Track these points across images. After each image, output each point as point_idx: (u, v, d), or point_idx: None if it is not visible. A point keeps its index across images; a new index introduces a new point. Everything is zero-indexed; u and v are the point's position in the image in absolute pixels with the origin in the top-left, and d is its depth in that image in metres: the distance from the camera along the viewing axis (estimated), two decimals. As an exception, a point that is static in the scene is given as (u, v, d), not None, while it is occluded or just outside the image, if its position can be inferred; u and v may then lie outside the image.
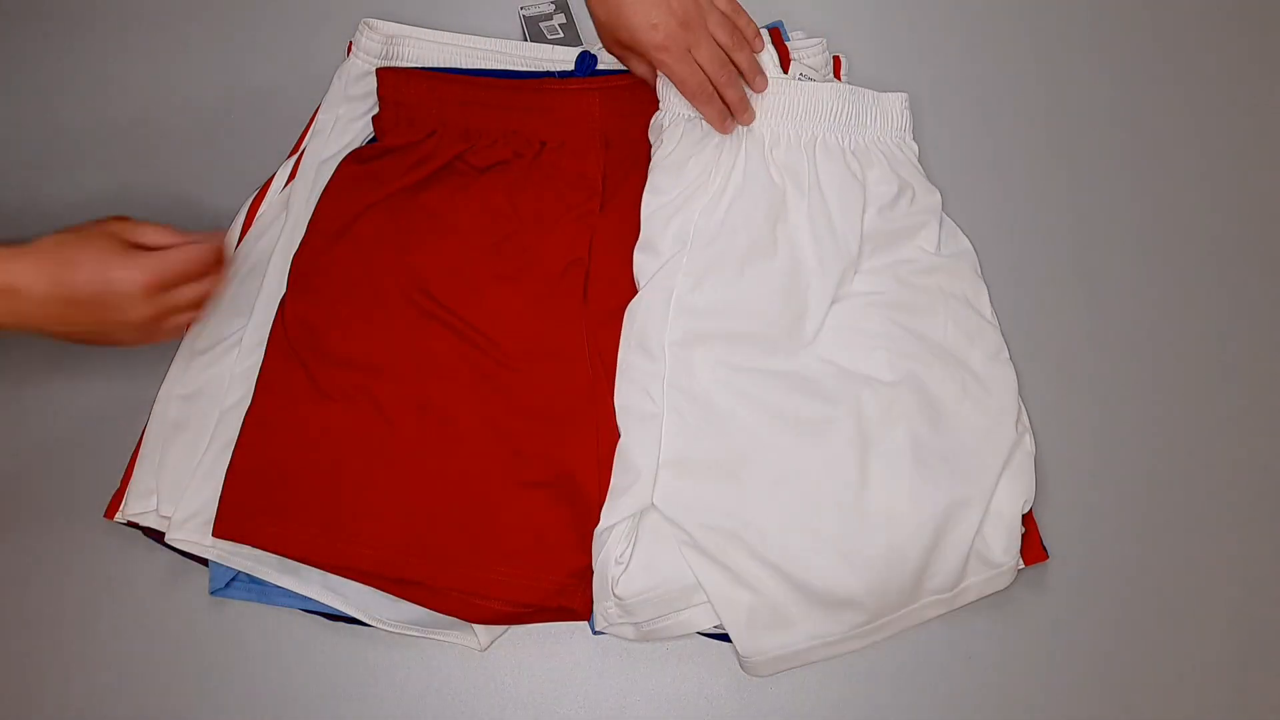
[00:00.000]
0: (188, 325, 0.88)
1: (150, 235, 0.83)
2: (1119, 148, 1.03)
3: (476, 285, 0.91)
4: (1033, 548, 0.91)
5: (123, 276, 0.79)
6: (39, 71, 1.02)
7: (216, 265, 0.86)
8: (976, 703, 0.91)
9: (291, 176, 0.96)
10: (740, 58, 0.88)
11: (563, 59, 0.97)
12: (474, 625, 0.88)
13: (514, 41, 0.98)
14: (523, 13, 1.01)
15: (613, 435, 0.87)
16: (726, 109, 0.90)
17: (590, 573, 0.85)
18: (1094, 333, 0.98)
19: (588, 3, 0.87)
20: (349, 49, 0.99)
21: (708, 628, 0.87)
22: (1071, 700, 0.91)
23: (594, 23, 0.89)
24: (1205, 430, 0.96)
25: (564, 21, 1.01)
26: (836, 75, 1.00)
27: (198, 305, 0.85)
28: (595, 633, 0.90)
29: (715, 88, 0.88)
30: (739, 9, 0.91)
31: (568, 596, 0.86)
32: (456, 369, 0.89)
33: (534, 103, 0.94)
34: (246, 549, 0.88)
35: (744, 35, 0.90)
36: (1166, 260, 1.01)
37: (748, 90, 0.92)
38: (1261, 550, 0.94)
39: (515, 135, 0.93)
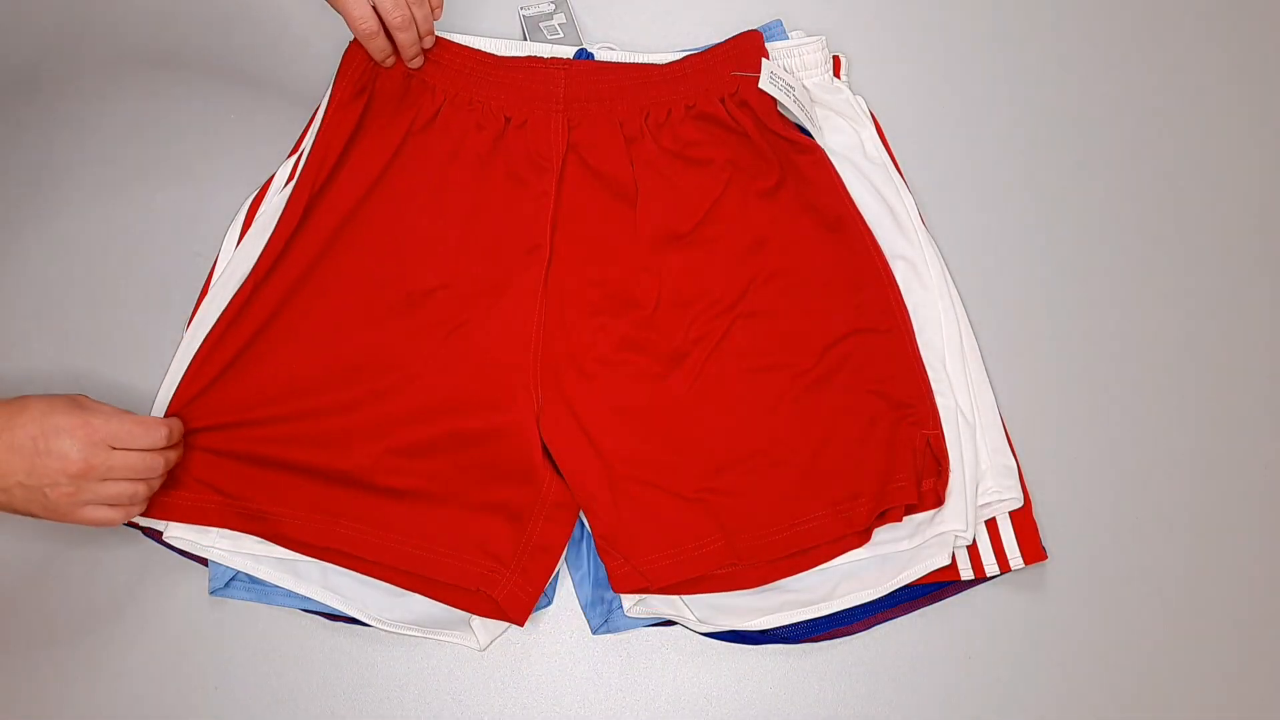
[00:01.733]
0: (113, 516, 0.81)
1: (103, 409, 0.81)
2: (1118, 147, 1.03)
3: (439, 266, 0.92)
4: (1032, 548, 0.91)
5: (66, 422, 0.78)
6: (39, 72, 1.02)
7: (160, 446, 0.82)
8: (976, 702, 0.91)
9: (291, 176, 0.95)
10: (419, 11, 0.89)
11: (561, 57, 0.97)
12: (474, 625, 0.88)
13: (514, 41, 0.98)
14: (522, 13, 1.01)
15: (552, 435, 0.89)
16: (389, 47, 0.91)
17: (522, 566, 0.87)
18: (1093, 333, 0.98)
19: None
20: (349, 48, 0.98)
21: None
22: (1071, 700, 0.91)
23: None
24: (1205, 430, 0.96)
25: (564, 21, 1.01)
26: (836, 74, 0.99)
27: (131, 481, 0.81)
28: (595, 632, 0.91)
29: (389, 28, 0.89)
30: None
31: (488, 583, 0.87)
32: (413, 346, 0.91)
33: (502, 78, 0.94)
34: (246, 548, 0.88)
35: None
36: (1166, 260, 1.00)
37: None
38: (1261, 549, 0.94)
39: (479, 106, 0.93)
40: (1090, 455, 0.95)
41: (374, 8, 0.87)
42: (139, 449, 0.81)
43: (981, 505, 0.90)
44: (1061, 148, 1.03)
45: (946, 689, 0.91)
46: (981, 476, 0.90)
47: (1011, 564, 0.90)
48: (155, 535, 0.89)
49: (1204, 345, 0.98)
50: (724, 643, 0.91)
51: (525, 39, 1.01)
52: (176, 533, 0.88)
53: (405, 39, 0.90)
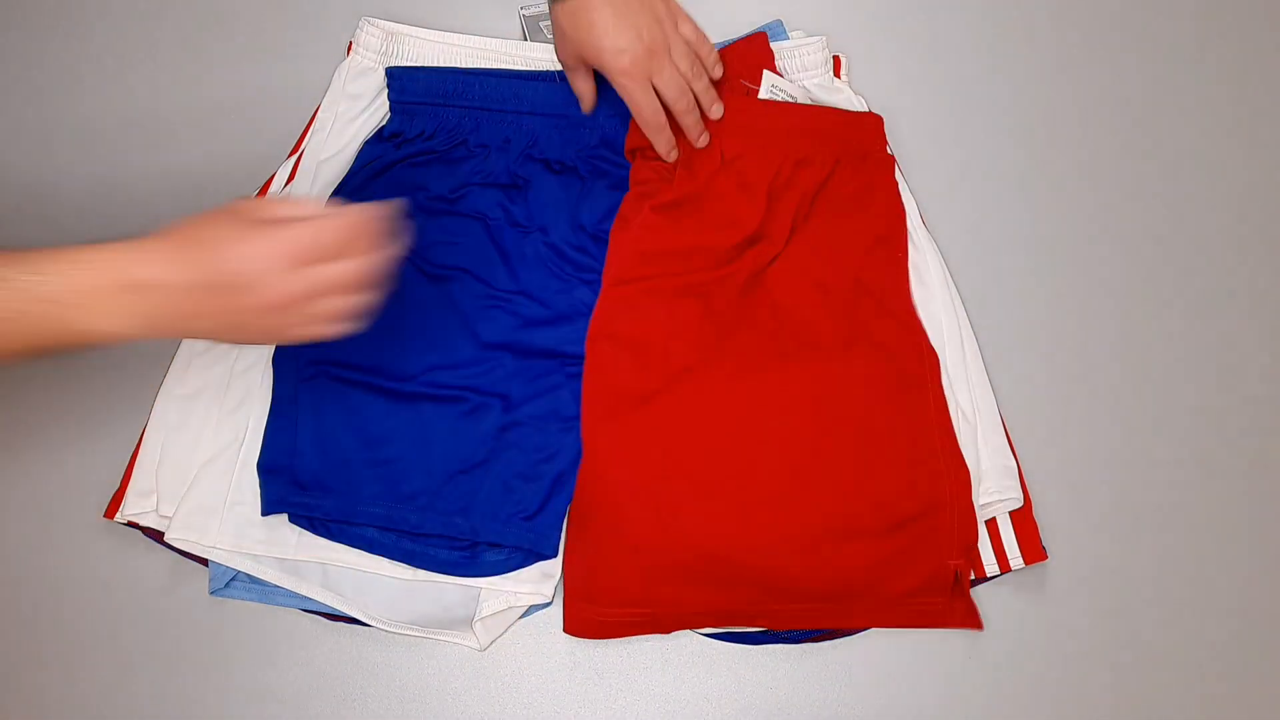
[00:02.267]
0: (345, 314, 0.74)
1: (284, 209, 0.73)
2: (1119, 147, 1.03)
3: None
4: (1033, 548, 0.91)
5: (256, 251, 0.70)
6: (38, 71, 1.02)
7: (365, 240, 0.74)
8: (977, 702, 0.91)
9: (291, 176, 0.95)
10: (699, 86, 0.90)
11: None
12: (473, 625, 0.88)
13: (514, 41, 0.98)
14: (523, 13, 1.01)
15: None
16: (674, 140, 0.91)
17: None
18: (1093, 333, 0.98)
19: (553, 11, 0.87)
20: (349, 48, 0.99)
21: None
22: (1071, 700, 0.91)
23: (555, 31, 0.89)
24: (1205, 430, 0.96)
25: None
26: (836, 74, 0.99)
27: (349, 287, 0.73)
28: (595, 632, 0.91)
29: (674, 115, 0.89)
30: (703, 38, 0.91)
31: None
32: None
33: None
34: (246, 548, 0.88)
35: (704, 64, 0.91)
36: (1166, 260, 1.00)
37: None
38: (1261, 549, 0.94)
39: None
40: (1090, 455, 0.95)
41: (657, 95, 0.87)
42: (336, 256, 0.72)
43: (981, 505, 0.90)
44: (1062, 147, 1.03)
45: (946, 689, 0.91)
46: (981, 476, 0.90)
47: (1011, 564, 0.90)
48: (156, 535, 0.89)
49: (1204, 345, 0.98)
50: (724, 643, 0.91)
51: (525, 39, 1.01)
52: (177, 534, 0.88)
53: (690, 121, 0.90)
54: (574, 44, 0.87)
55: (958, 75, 1.04)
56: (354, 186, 0.93)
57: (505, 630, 0.89)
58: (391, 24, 0.97)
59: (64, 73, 1.02)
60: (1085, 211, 1.01)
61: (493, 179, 0.94)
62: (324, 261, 0.71)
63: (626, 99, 0.88)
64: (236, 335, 0.73)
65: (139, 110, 1.02)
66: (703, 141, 0.92)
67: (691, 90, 0.89)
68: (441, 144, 0.94)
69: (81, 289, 0.68)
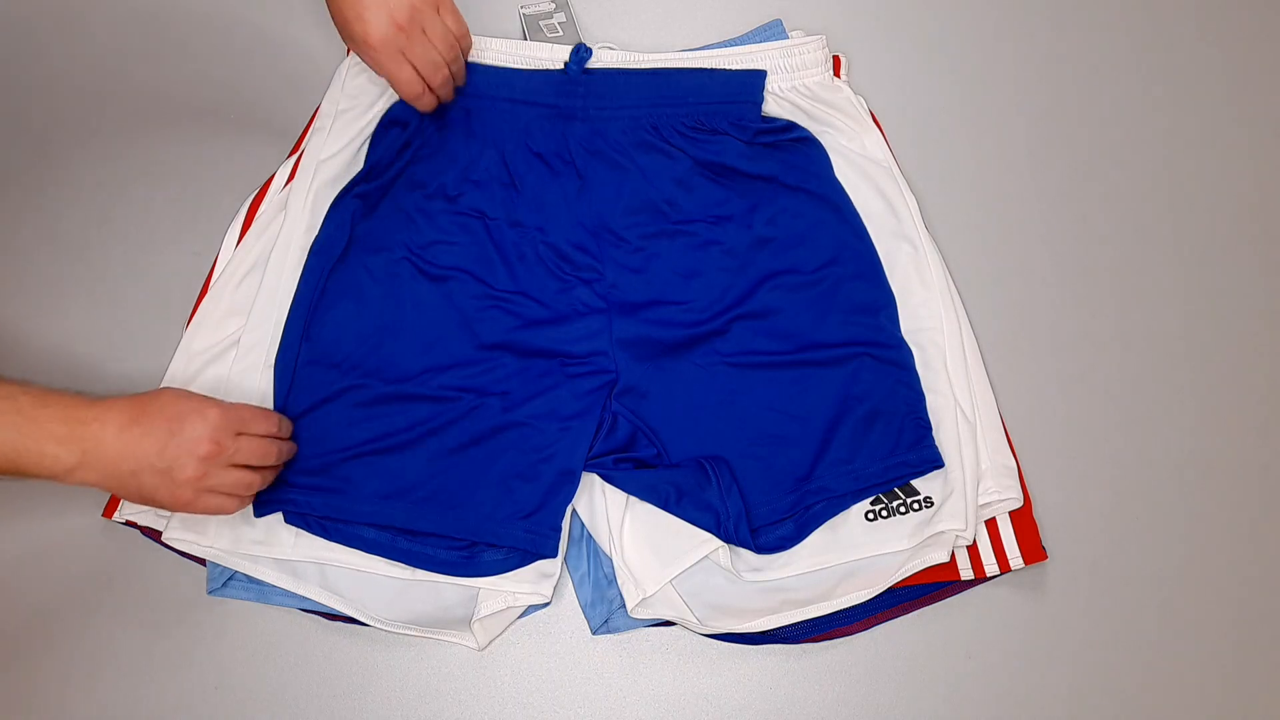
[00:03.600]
0: (228, 504, 0.84)
1: (224, 401, 0.85)
2: (1118, 147, 1.03)
3: None
4: (1033, 548, 0.91)
5: (198, 406, 0.82)
6: (39, 71, 1.02)
7: (283, 436, 0.87)
8: (976, 702, 0.91)
9: (291, 176, 0.96)
10: (456, 68, 0.94)
11: (560, 57, 0.97)
12: (472, 625, 0.88)
13: (514, 40, 0.97)
14: (523, 11, 1.01)
15: None
16: (434, 101, 0.94)
17: None
18: (1093, 333, 0.98)
19: (329, 4, 0.90)
20: (349, 49, 0.99)
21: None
22: (1071, 699, 0.91)
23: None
24: (1205, 430, 0.96)
25: (564, 20, 1.01)
26: (836, 74, 0.99)
27: (251, 470, 0.84)
28: (595, 633, 0.91)
29: (431, 88, 0.92)
30: (465, 29, 0.93)
31: None
32: None
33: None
34: (244, 549, 0.88)
35: (461, 47, 0.94)
36: (1166, 260, 1.00)
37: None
38: (1260, 548, 0.94)
39: None
40: (1090, 455, 0.95)
41: (416, 71, 0.90)
42: (260, 435, 0.85)
43: (981, 505, 0.90)
44: (1062, 147, 1.03)
45: (946, 689, 0.91)
46: (981, 476, 0.90)
47: (1011, 564, 0.90)
48: (155, 535, 0.89)
49: (1204, 345, 0.98)
50: (724, 643, 0.91)
51: (525, 38, 1.01)
52: (175, 533, 0.88)
53: (445, 93, 0.94)
54: (341, 32, 0.90)
55: (958, 75, 1.04)
56: (360, 191, 0.94)
57: (504, 630, 0.89)
58: None
59: (64, 73, 1.02)
60: (1085, 211, 1.01)
61: (491, 175, 0.94)
62: (244, 430, 0.84)
63: (381, 73, 0.91)
64: (155, 483, 0.81)
65: (139, 110, 1.02)
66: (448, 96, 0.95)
67: (448, 68, 0.92)
68: (435, 131, 0.95)
69: (60, 435, 0.78)
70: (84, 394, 0.81)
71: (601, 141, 0.94)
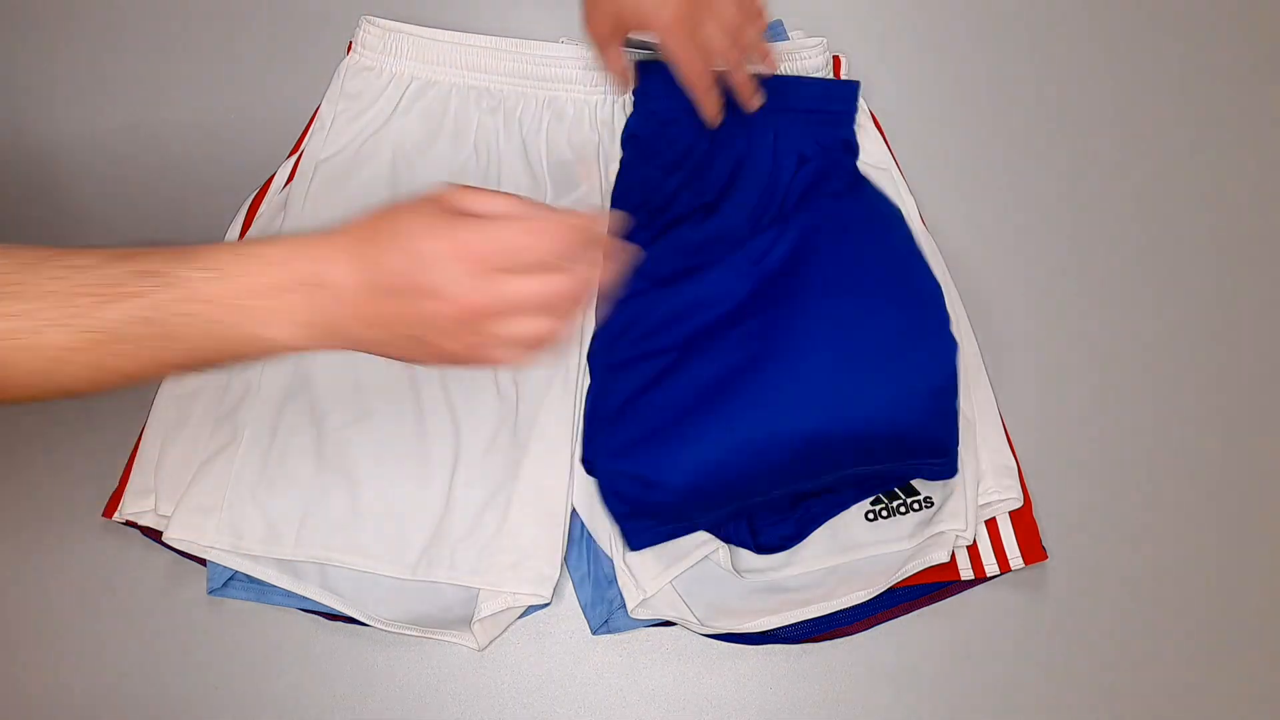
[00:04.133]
0: (545, 341, 0.62)
1: (486, 202, 0.61)
2: (1118, 147, 1.03)
3: None
4: (1033, 548, 0.91)
5: (435, 248, 0.58)
6: (39, 72, 1.02)
7: (581, 251, 0.61)
8: (976, 702, 0.91)
9: (291, 176, 0.96)
10: (750, 33, 0.81)
11: (561, 55, 0.97)
12: (472, 625, 0.88)
13: (513, 39, 0.97)
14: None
15: None
16: (720, 103, 0.87)
17: None
18: (1093, 333, 0.98)
19: None
20: (349, 47, 0.99)
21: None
22: (1071, 699, 0.91)
23: (584, 3, 0.84)
24: (1204, 429, 0.96)
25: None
26: (836, 75, 0.99)
27: (555, 307, 0.61)
28: (595, 633, 0.91)
29: (727, 67, 0.83)
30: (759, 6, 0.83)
31: None
32: None
33: None
34: (244, 548, 0.88)
35: (752, 10, 0.82)
36: (1167, 260, 1.00)
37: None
38: (1261, 549, 0.94)
39: None
40: (1090, 455, 0.95)
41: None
42: (542, 268, 0.60)
43: (981, 505, 0.90)
44: (1062, 148, 1.03)
45: (946, 689, 0.91)
46: (981, 476, 0.90)
47: (1011, 564, 0.90)
48: (154, 534, 0.89)
49: (1204, 345, 0.98)
50: (724, 643, 0.91)
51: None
52: (176, 533, 0.88)
53: (740, 79, 0.84)
54: (610, 5, 0.79)
55: (958, 75, 1.04)
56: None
57: (503, 630, 0.89)
58: (392, 22, 0.97)
59: (64, 73, 1.02)
60: (1085, 211, 1.01)
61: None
62: (528, 272, 0.60)
63: (672, 56, 0.82)
64: (414, 352, 0.62)
65: (139, 110, 1.02)
66: (756, 103, 0.88)
67: (741, 43, 0.81)
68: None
69: (255, 289, 0.58)
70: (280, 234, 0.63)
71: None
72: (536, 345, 0.62)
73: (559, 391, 0.91)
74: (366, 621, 0.88)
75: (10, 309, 0.56)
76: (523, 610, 0.90)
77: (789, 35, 1.01)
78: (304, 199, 0.94)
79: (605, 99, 0.97)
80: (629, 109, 0.95)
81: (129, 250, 0.58)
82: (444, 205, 0.60)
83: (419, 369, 0.90)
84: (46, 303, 0.56)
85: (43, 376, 0.57)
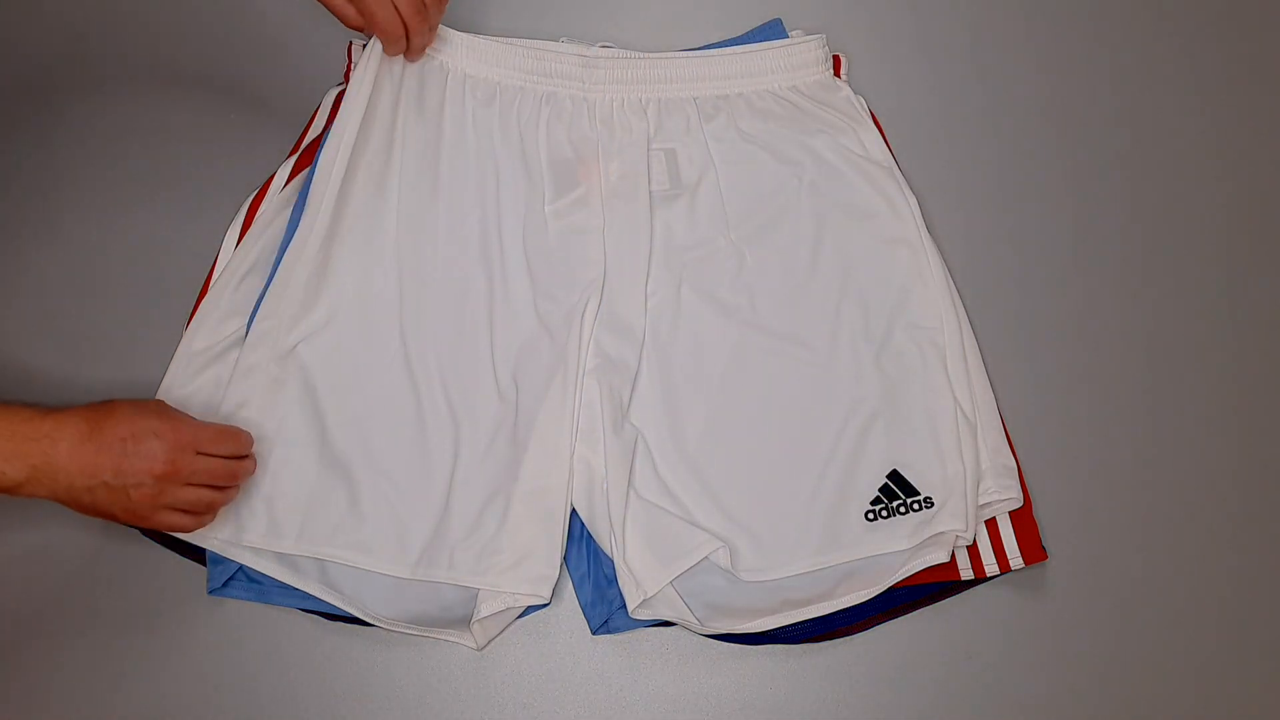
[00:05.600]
0: (187, 522, 0.83)
1: (186, 416, 0.84)
2: (1118, 146, 1.03)
3: None
4: (1033, 548, 0.91)
5: (155, 425, 0.80)
6: (39, 71, 1.02)
7: (245, 455, 0.86)
8: (976, 703, 0.91)
9: (291, 176, 0.95)
10: (434, 11, 0.91)
11: (563, 51, 0.97)
12: (471, 625, 0.88)
13: (503, 38, 0.97)
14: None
15: None
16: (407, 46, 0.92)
17: None
18: (1093, 333, 0.98)
19: None
20: (349, 48, 0.98)
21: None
22: (1071, 699, 0.91)
23: None
24: (1204, 429, 0.96)
25: None
26: (837, 73, 0.99)
27: (210, 488, 0.83)
28: (595, 633, 0.91)
29: (407, 32, 0.90)
30: None
31: None
32: None
33: None
34: (246, 540, 0.88)
35: None
36: (1167, 260, 1.00)
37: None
38: (1260, 548, 0.94)
39: None
40: (1090, 455, 0.95)
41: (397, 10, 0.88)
42: (221, 455, 0.83)
43: (981, 505, 0.90)
44: (1062, 147, 1.03)
45: (947, 689, 0.91)
46: (981, 476, 0.90)
47: (1011, 564, 0.90)
48: (155, 535, 0.89)
49: (1205, 345, 0.98)
50: (724, 643, 0.91)
51: None
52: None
53: (420, 43, 0.92)
54: None
55: (958, 75, 1.04)
56: None
57: (503, 630, 0.89)
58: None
59: (64, 73, 1.02)
60: (1086, 211, 1.01)
61: None
62: (203, 450, 0.82)
63: (365, 11, 0.87)
64: (102, 499, 0.79)
65: (139, 111, 1.01)
66: (417, 59, 0.94)
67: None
68: None
69: (5, 451, 0.76)
70: (39, 405, 0.78)
71: None
72: (201, 511, 0.83)
73: (559, 391, 0.91)
74: (365, 619, 0.88)
75: None
76: (522, 610, 0.90)
77: (789, 34, 1.01)
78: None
79: (604, 97, 0.97)
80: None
81: None
82: (159, 405, 0.84)
83: (418, 369, 0.91)
84: None
85: None
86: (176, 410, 0.84)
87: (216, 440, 0.83)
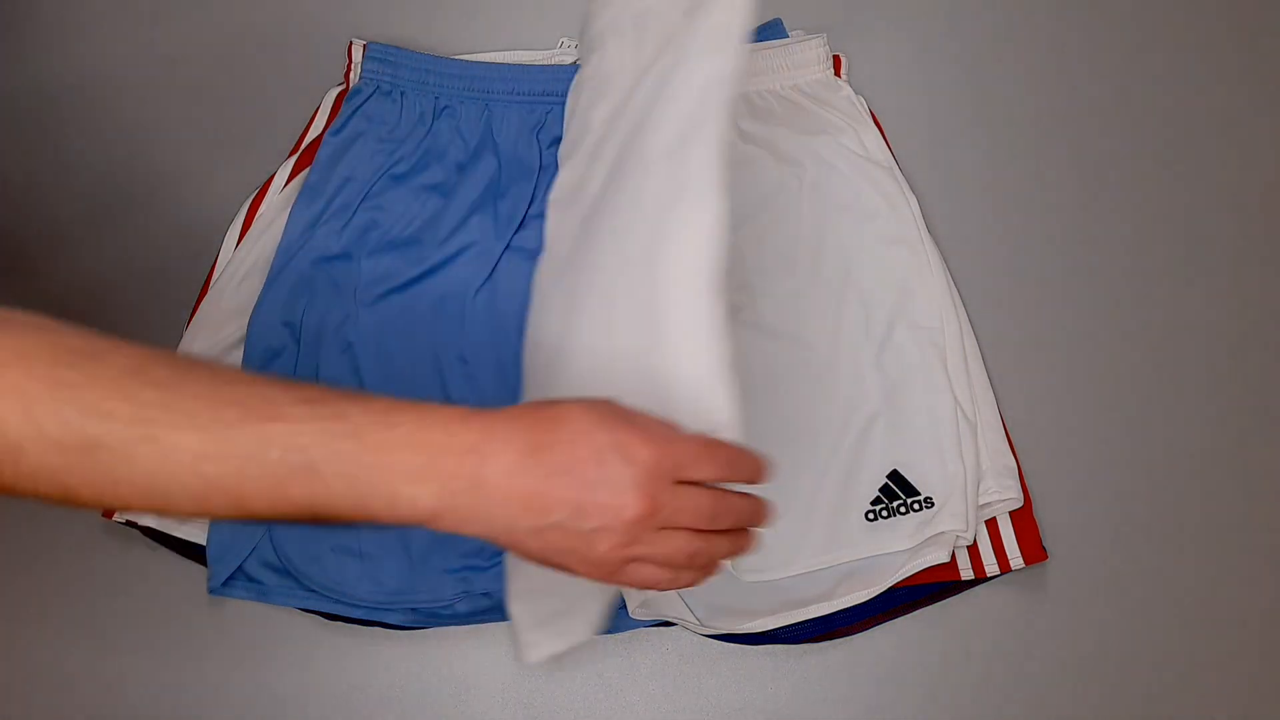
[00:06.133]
0: (661, 577, 0.58)
1: (655, 421, 0.57)
2: (1119, 146, 1.03)
3: None
4: (1033, 548, 0.91)
5: (622, 438, 0.55)
6: (40, 72, 1.02)
7: (746, 478, 0.59)
8: (976, 703, 0.91)
9: (291, 176, 0.96)
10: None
11: (562, 54, 0.97)
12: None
13: (504, 50, 0.98)
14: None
15: None
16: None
17: None
18: (1093, 333, 0.98)
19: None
20: (349, 48, 0.98)
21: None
22: (1071, 699, 0.91)
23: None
24: (1204, 429, 0.96)
25: None
26: (837, 73, 0.99)
27: (697, 534, 0.57)
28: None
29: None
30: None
31: None
32: None
33: None
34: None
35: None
36: (1167, 261, 1.00)
37: None
38: (1262, 549, 0.94)
39: None
40: (1090, 455, 0.95)
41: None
42: (713, 480, 0.57)
43: (981, 505, 0.90)
44: (1063, 147, 1.03)
45: (946, 689, 0.91)
46: (981, 476, 0.90)
47: (1011, 564, 0.90)
48: (154, 535, 0.89)
49: (1205, 345, 0.98)
50: (724, 643, 0.91)
51: None
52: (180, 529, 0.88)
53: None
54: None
55: (959, 75, 1.04)
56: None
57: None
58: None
59: (64, 74, 1.02)
60: (1086, 211, 1.01)
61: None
62: (688, 479, 0.56)
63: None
64: (565, 554, 0.56)
65: (139, 110, 1.02)
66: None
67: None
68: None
69: (415, 443, 0.53)
70: (448, 402, 0.57)
71: None
72: (682, 563, 0.57)
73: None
74: (367, 620, 0.89)
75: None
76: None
77: (789, 33, 1.01)
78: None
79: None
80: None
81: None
82: (618, 408, 0.57)
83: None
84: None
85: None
86: (641, 414, 0.57)
87: (705, 459, 0.57)
